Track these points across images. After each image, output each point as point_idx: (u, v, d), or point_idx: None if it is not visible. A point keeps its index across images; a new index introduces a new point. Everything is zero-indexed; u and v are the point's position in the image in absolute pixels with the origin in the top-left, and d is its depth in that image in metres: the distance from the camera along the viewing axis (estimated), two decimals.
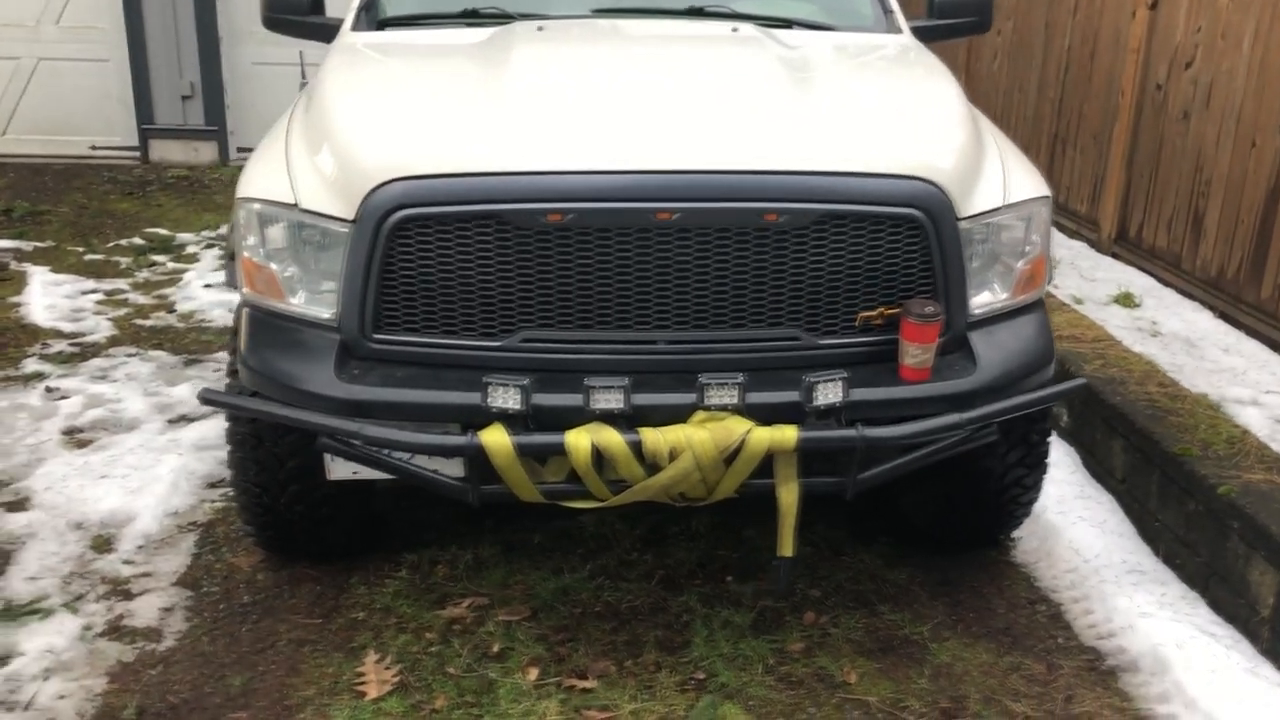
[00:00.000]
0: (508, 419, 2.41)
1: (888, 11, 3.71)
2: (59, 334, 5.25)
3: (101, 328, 5.35)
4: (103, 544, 3.45)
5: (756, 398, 2.43)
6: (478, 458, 2.40)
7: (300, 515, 3.09)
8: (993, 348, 2.63)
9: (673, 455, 2.38)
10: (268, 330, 2.65)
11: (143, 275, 6.18)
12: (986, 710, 2.69)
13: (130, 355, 5.00)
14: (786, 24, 3.49)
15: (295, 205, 2.57)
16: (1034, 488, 3.13)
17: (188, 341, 5.18)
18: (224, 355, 4.86)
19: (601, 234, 2.44)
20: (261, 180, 2.69)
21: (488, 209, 2.42)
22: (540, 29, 3.25)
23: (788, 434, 2.40)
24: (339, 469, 2.69)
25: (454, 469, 2.53)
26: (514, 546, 3.39)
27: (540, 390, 2.42)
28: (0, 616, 3.05)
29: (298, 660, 2.89)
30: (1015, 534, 3.44)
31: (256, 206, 2.63)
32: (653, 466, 2.41)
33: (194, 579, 3.26)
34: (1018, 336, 2.69)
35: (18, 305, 5.62)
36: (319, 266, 2.58)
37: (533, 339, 2.52)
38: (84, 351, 5.03)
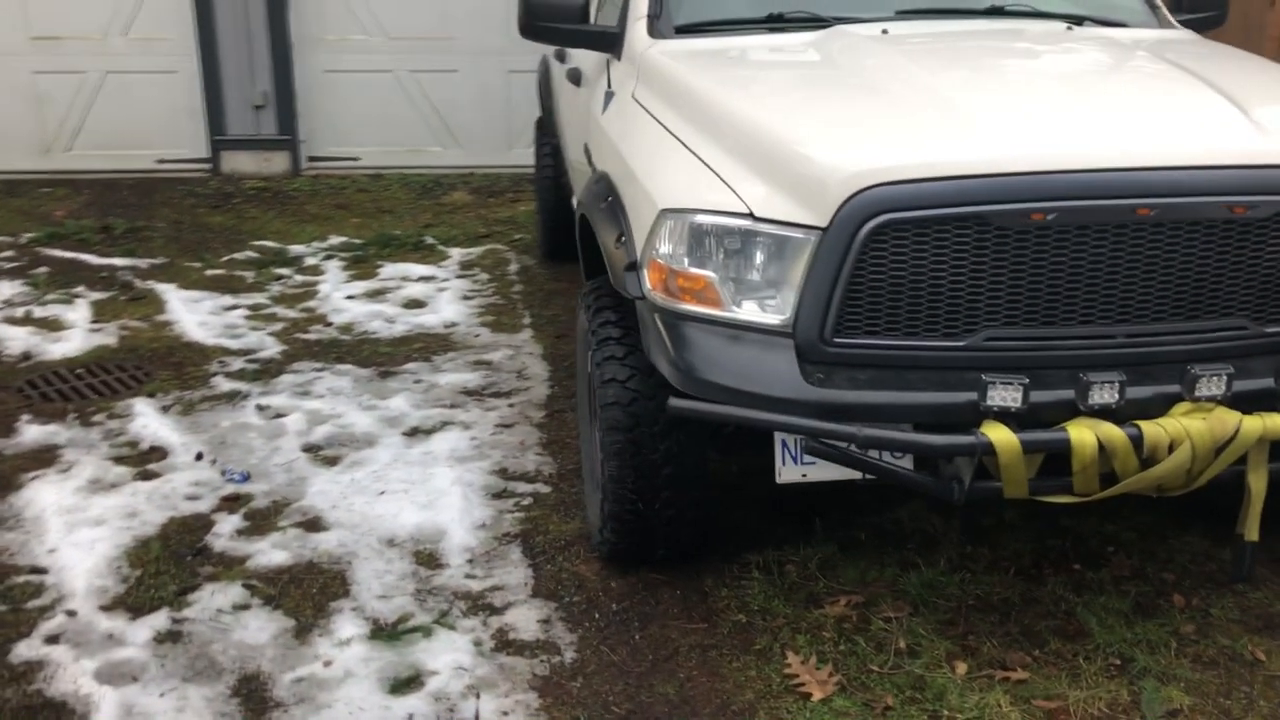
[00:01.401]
0: (1006, 416, 2.44)
1: (1155, 7, 3.82)
2: (228, 351, 5.13)
3: (268, 343, 5.24)
4: (429, 560, 3.39)
5: (1240, 386, 2.50)
6: (980, 456, 2.43)
7: (669, 520, 3.09)
8: None
9: (1171, 448, 2.44)
10: (701, 337, 2.64)
11: (275, 289, 6.05)
12: None
13: (317, 370, 4.91)
14: (1079, 20, 3.57)
15: (749, 214, 2.57)
16: None
17: (366, 354, 5.10)
18: (413, 366, 4.82)
19: (1080, 231, 2.48)
20: (689, 190, 2.66)
21: (971, 210, 2.44)
22: (885, 32, 3.29)
23: (1278, 422, 2.48)
24: (789, 472, 2.70)
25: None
26: (846, 544, 3.42)
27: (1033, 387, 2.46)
28: (384, 637, 2.99)
29: (713, 665, 2.88)
30: None
31: (699, 217, 2.62)
32: (1147, 460, 2.47)
33: (550, 590, 3.23)
34: None
35: (169, 324, 5.48)
36: (769, 274, 2.58)
37: (996, 337, 2.55)
38: (267, 368, 4.92)
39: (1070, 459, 2.44)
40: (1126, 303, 2.56)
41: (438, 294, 5.91)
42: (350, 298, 5.89)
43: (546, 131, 5.97)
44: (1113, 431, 2.42)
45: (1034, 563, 3.31)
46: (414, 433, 4.28)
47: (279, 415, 4.44)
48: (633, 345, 3.01)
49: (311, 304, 5.79)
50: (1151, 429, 2.43)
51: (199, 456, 4.12)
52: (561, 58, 5.03)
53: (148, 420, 4.39)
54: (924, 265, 2.48)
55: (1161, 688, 2.75)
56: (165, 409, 4.52)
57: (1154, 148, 2.55)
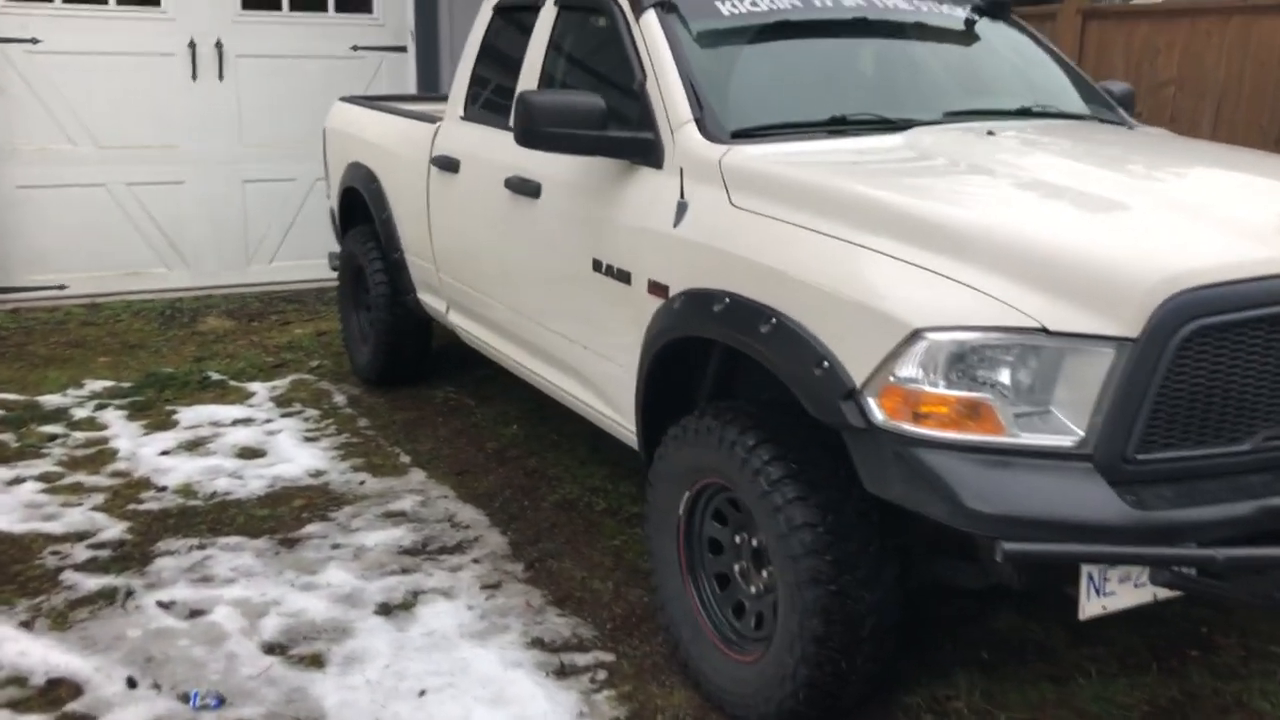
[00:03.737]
0: None
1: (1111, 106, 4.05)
2: (53, 538, 4.10)
3: (101, 522, 4.25)
4: None
5: None
6: None
7: (867, 675, 2.77)
8: None
9: None
10: (980, 468, 2.37)
11: (57, 452, 4.95)
12: None
13: (198, 548, 4.02)
14: (1091, 118, 3.74)
15: (1041, 329, 2.35)
16: None
17: (241, 521, 4.25)
18: (315, 530, 4.11)
19: None
20: (943, 306, 2.40)
21: (1272, 311, 2.38)
22: (991, 133, 3.21)
23: None
24: (1092, 606, 2.47)
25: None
26: (973, 664, 3.22)
27: None
28: None
29: None
30: None
31: (969, 335, 2.37)
32: None
33: None
34: None
35: None
36: (1061, 392, 2.37)
37: (1271, 437, 2.49)
38: (126, 553, 3.97)
39: None
40: None
41: (271, 439, 5.08)
42: (164, 453, 4.92)
43: (382, 246, 5.35)
44: None
45: (1154, 655, 3.28)
46: (388, 611, 3.58)
47: (197, 613, 3.56)
48: (813, 481, 2.68)
49: (119, 466, 4.77)
50: None
51: (131, 683, 3.20)
52: (450, 166, 4.53)
53: (19, 644, 3.38)
54: (1221, 370, 2.38)
55: None
56: (26, 625, 3.49)
57: None
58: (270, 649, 3.36)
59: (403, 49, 7.70)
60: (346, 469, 4.74)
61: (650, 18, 3.50)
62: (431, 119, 5.03)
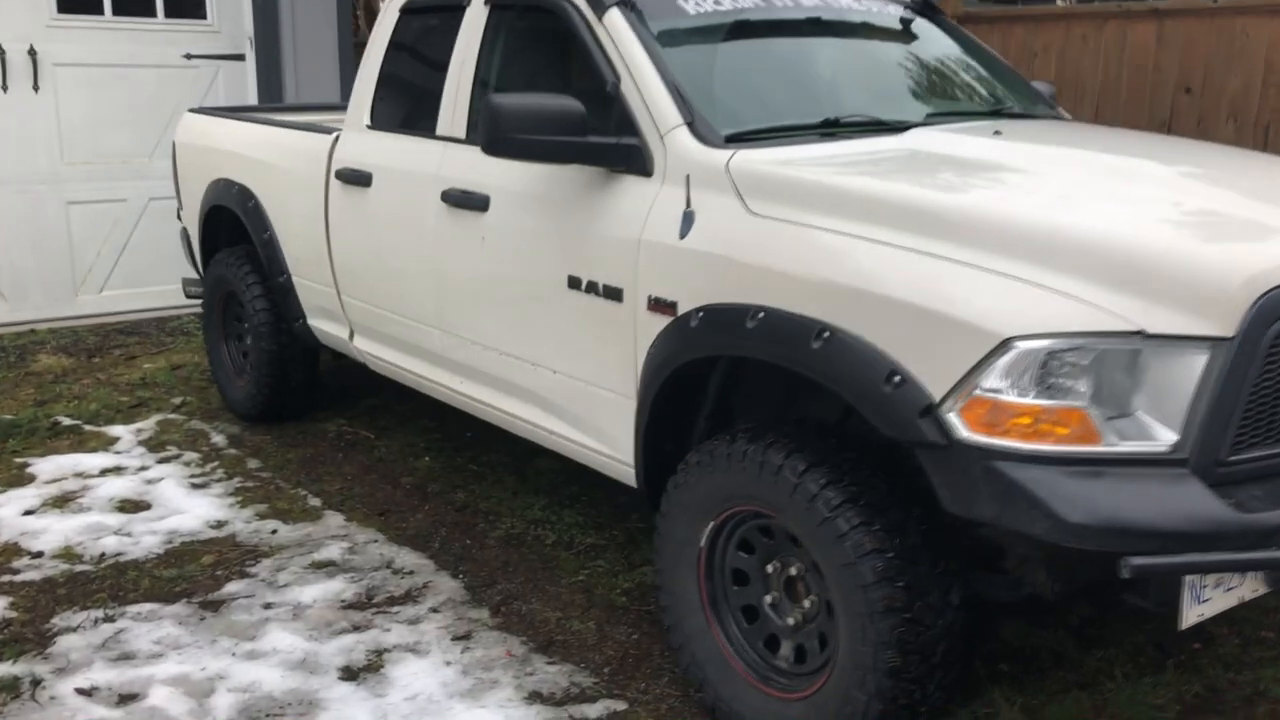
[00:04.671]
0: None
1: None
2: None
3: None
4: None
5: None
6: None
7: (935, 707, 2.64)
8: None
9: None
10: (1079, 480, 2.26)
11: None
12: None
13: (105, 620, 3.53)
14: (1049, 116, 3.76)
15: (1138, 332, 2.26)
16: None
17: (146, 585, 3.77)
18: (237, 589, 3.70)
19: None
20: (1038, 314, 2.28)
21: None
22: (998, 133, 3.12)
23: None
24: (1191, 613, 2.39)
25: None
26: (996, 678, 3.13)
27: None
28: None
29: None
30: None
31: (1067, 342, 2.25)
32: None
33: None
34: None
35: None
36: (1156, 396, 2.28)
37: None
38: (15, 634, 3.46)
39: None
40: None
41: (152, 488, 4.56)
42: (29, 513, 4.35)
43: (263, 269, 4.90)
44: None
45: (1163, 653, 3.27)
46: (354, 675, 3.22)
47: (129, 698, 3.11)
48: (875, 503, 2.53)
49: None
50: None
51: None
52: (358, 180, 4.17)
53: None
54: None
55: None
56: None
57: None
58: None
59: (240, 57, 7.15)
60: (251, 516, 4.29)
61: (615, 17, 3.28)
62: (322, 129, 4.64)
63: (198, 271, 5.74)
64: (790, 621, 2.79)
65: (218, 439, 5.09)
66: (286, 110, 5.75)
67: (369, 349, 4.45)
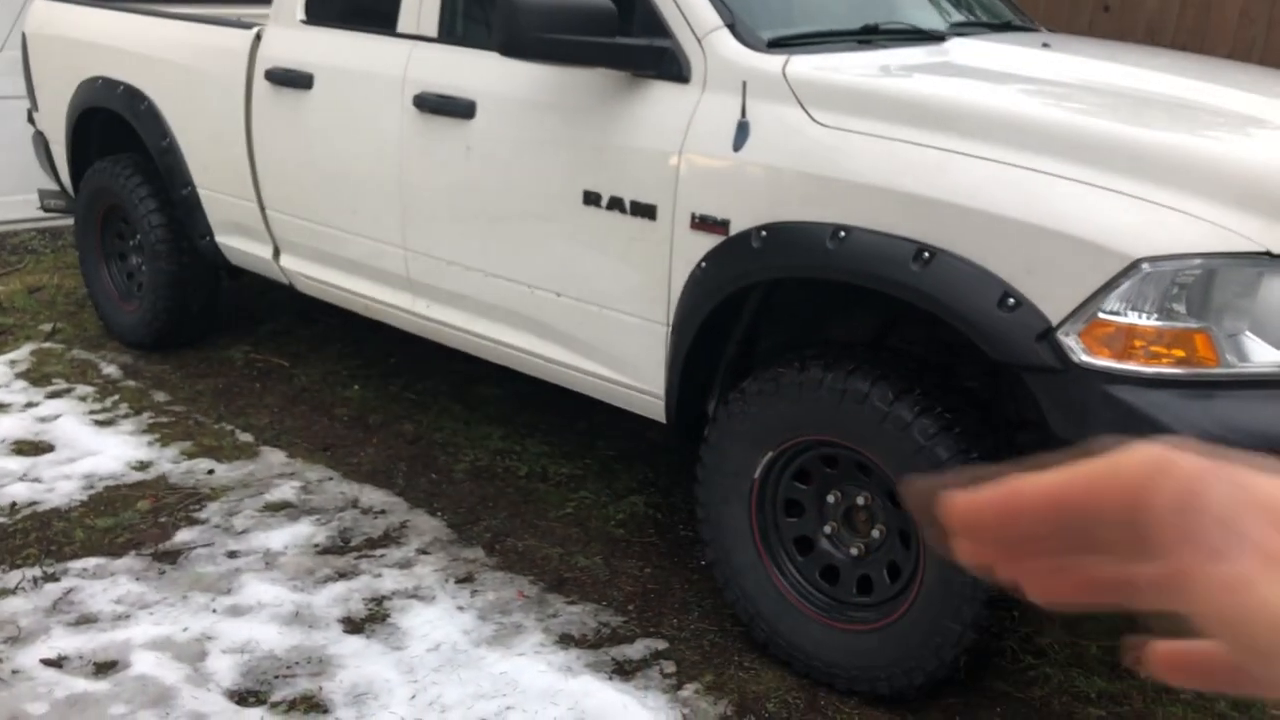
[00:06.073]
0: None
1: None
2: None
3: None
4: None
5: None
6: None
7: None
8: None
9: None
10: (1206, 401, 2.25)
11: None
12: None
13: (45, 580, 3.15)
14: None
15: (1266, 253, 2.23)
16: None
17: (82, 536, 3.38)
18: (190, 537, 3.38)
19: None
20: (1167, 235, 2.21)
21: None
22: (1046, 45, 3.03)
23: None
24: None
25: None
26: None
27: None
28: None
29: None
30: None
31: (1197, 263, 2.21)
32: None
33: None
34: None
35: None
36: (1269, 315, 2.28)
37: None
38: None
39: None
40: None
41: (50, 426, 4.09)
42: None
43: (162, 180, 4.41)
44: None
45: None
46: (359, 627, 2.97)
47: (108, 667, 2.78)
48: (972, 431, 2.47)
49: None
50: None
51: None
52: (295, 81, 3.76)
53: None
54: None
55: None
56: None
57: None
58: (242, 699, 2.66)
59: None
60: (177, 455, 3.90)
61: None
62: (231, 22, 4.16)
63: (58, 183, 5.13)
64: (854, 552, 2.70)
65: (110, 370, 4.59)
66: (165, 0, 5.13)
67: (299, 268, 4.07)
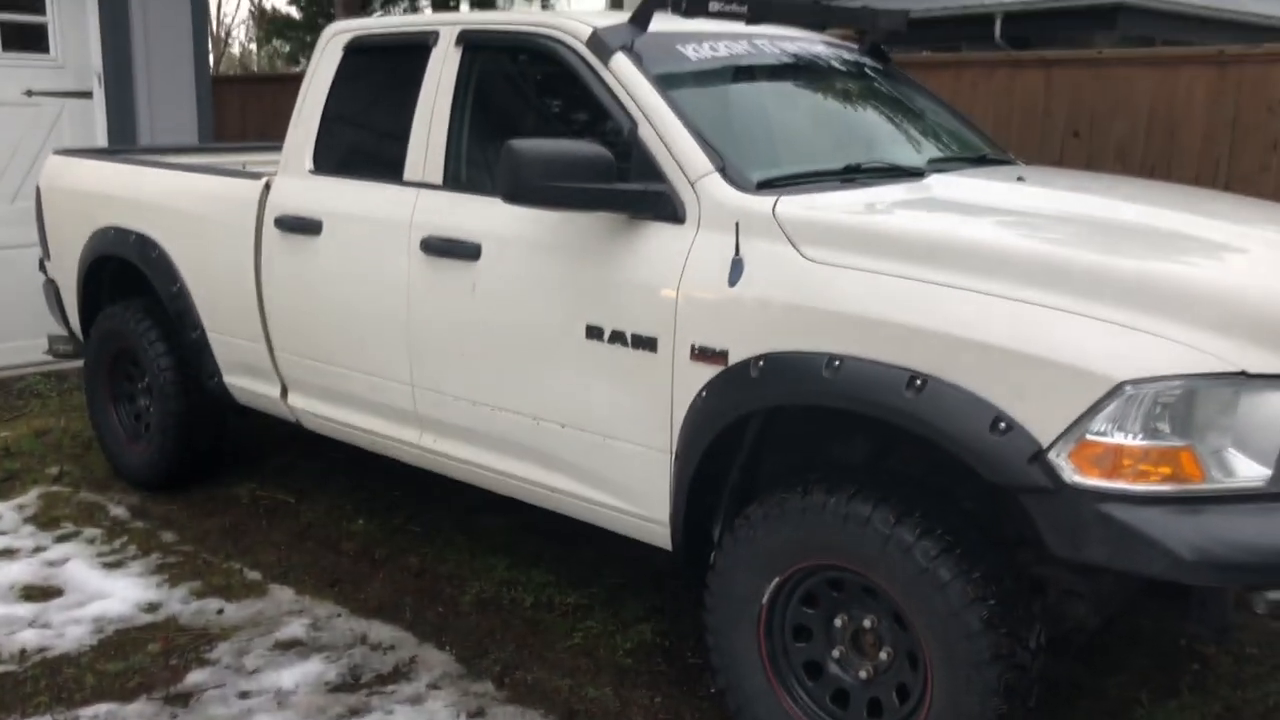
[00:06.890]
0: None
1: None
2: None
3: None
4: None
5: None
6: None
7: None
8: None
9: None
10: (1193, 518, 2.32)
11: None
12: None
13: None
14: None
15: (1241, 373, 2.34)
16: None
17: (92, 682, 3.39)
18: (200, 679, 3.40)
19: None
20: (1147, 358, 2.32)
21: None
22: (1021, 179, 3.19)
23: None
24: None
25: None
26: None
27: None
28: None
29: None
30: None
31: (1177, 385, 2.31)
32: None
33: None
34: None
35: None
36: (1254, 432, 2.37)
37: None
38: None
39: None
40: None
41: (58, 571, 4.13)
42: None
43: (171, 324, 4.53)
44: None
45: (1168, 676, 3.39)
46: None
47: None
48: (971, 552, 2.54)
49: None
50: None
51: None
52: (305, 228, 3.91)
53: None
54: None
55: None
56: None
57: None
58: None
59: (88, 94, 6.63)
60: (186, 596, 3.93)
61: (622, 62, 3.20)
62: (239, 173, 4.34)
63: (67, 329, 5.26)
64: (862, 675, 2.74)
65: (118, 511, 4.64)
66: (172, 152, 5.34)
67: (306, 406, 4.16)
